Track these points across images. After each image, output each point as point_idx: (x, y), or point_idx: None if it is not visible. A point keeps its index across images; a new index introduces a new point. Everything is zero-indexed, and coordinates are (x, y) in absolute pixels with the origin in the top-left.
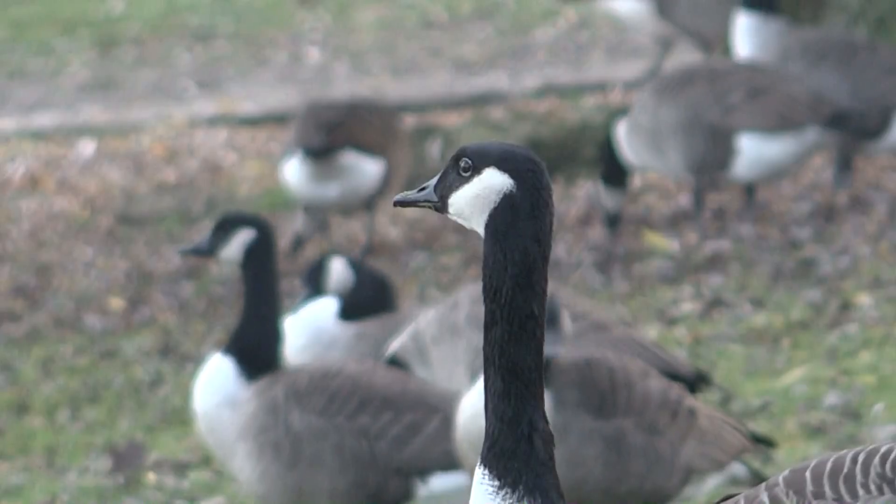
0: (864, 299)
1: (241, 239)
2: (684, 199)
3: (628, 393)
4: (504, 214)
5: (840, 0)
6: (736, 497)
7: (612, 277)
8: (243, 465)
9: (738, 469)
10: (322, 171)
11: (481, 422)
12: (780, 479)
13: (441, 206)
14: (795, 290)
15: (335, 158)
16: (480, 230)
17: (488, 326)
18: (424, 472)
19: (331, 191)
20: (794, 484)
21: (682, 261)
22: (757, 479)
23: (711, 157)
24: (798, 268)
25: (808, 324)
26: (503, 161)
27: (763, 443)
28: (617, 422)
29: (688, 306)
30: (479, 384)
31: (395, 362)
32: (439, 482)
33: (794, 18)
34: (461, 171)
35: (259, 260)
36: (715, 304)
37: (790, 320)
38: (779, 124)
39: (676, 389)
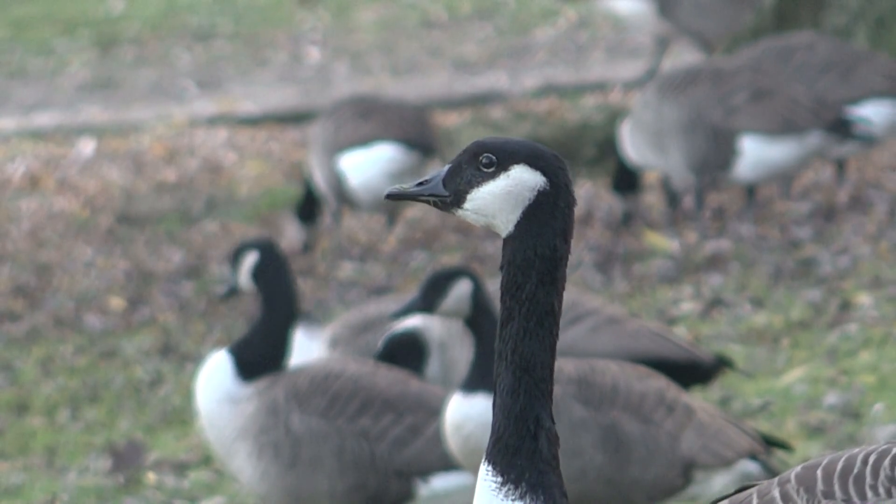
0: (864, 299)
1: (247, 263)
2: (684, 199)
3: (626, 394)
4: (538, 211)
5: (840, 0)
6: (749, 490)
7: (612, 277)
8: (244, 465)
9: (750, 468)
10: (410, 169)
11: (466, 431)
12: (792, 475)
13: (454, 202)
14: (795, 290)
15: (429, 159)
16: (503, 228)
17: (504, 323)
18: (425, 472)
19: None
20: (805, 482)
21: (682, 261)
22: (772, 477)
23: (713, 157)
24: (798, 268)
25: (808, 324)
26: (534, 158)
27: (777, 445)
28: (613, 413)
29: (688, 306)
30: (458, 395)
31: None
32: (441, 482)
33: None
34: (482, 167)
35: (267, 279)
36: (715, 303)
37: (790, 320)
38: (781, 127)
39: (674, 389)
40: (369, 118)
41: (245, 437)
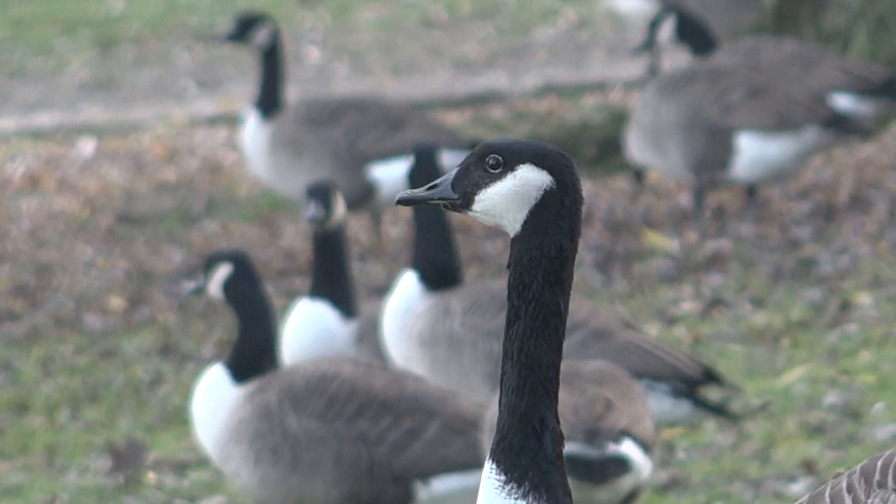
0: (864, 299)
1: (220, 275)
2: (684, 199)
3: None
4: (544, 211)
5: (840, 0)
6: (839, 476)
7: (612, 277)
8: (239, 469)
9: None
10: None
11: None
12: (859, 466)
13: (463, 204)
14: (795, 289)
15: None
16: (510, 227)
17: (511, 322)
18: (425, 475)
19: None
20: (866, 472)
21: (682, 260)
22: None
23: (711, 156)
24: (798, 268)
25: (808, 324)
26: (540, 157)
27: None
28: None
29: (688, 306)
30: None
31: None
32: (441, 484)
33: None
34: (489, 168)
35: (240, 292)
36: (715, 303)
37: (790, 320)
38: (778, 124)
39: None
40: (398, 126)
41: (239, 442)
